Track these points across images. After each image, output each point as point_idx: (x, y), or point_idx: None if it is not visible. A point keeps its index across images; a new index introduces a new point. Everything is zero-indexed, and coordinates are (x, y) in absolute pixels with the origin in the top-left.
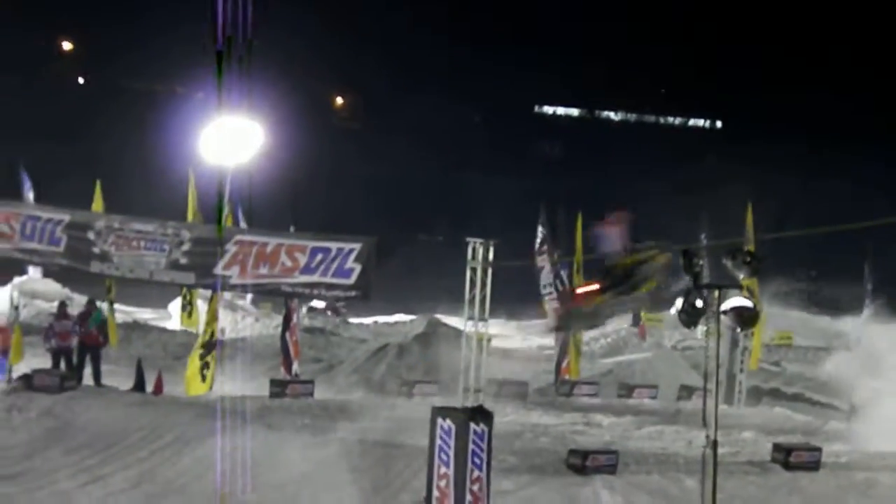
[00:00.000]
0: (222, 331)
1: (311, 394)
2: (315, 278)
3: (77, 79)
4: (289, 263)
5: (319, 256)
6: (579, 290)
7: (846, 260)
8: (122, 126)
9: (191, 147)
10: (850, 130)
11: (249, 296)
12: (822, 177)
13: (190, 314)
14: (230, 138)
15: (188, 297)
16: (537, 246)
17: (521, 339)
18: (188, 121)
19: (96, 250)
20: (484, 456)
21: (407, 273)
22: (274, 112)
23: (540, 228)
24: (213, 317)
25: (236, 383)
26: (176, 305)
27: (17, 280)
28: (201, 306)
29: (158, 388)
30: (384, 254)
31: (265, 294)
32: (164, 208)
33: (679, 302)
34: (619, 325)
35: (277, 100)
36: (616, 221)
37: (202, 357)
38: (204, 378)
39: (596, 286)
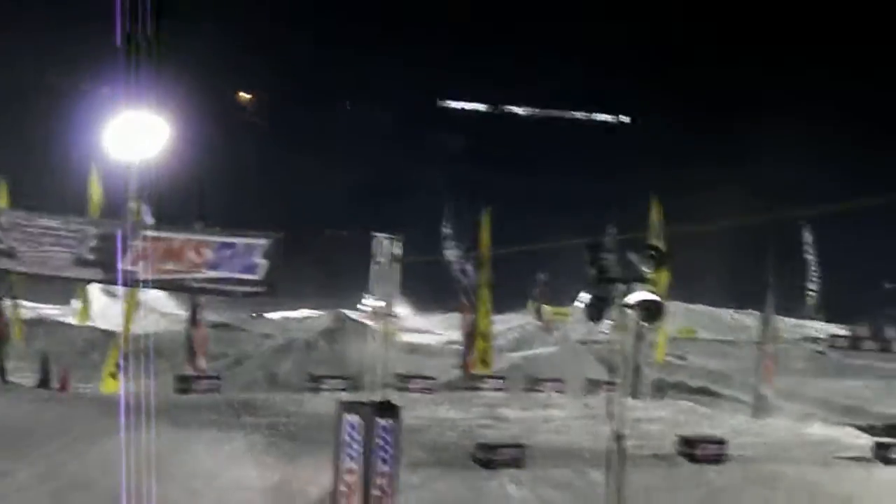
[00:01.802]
0: (129, 328)
1: (218, 389)
2: (222, 274)
3: None
4: (195, 259)
5: (226, 252)
6: None
7: (750, 254)
8: (27, 122)
9: (96, 142)
10: (757, 124)
11: (156, 292)
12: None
13: (85, 311)
14: (136, 134)
15: (83, 294)
16: (444, 241)
17: (427, 333)
18: (93, 116)
19: (2, 246)
20: (391, 450)
21: (314, 268)
22: (180, 108)
23: (445, 223)
24: (130, 315)
25: (142, 379)
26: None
27: None
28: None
29: (64, 384)
30: (291, 249)
31: (172, 290)
32: (70, 204)
33: (585, 295)
34: (524, 319)
35: (183, 96)
36: None
37: (117, 356)
38: (115, 376)
39: None
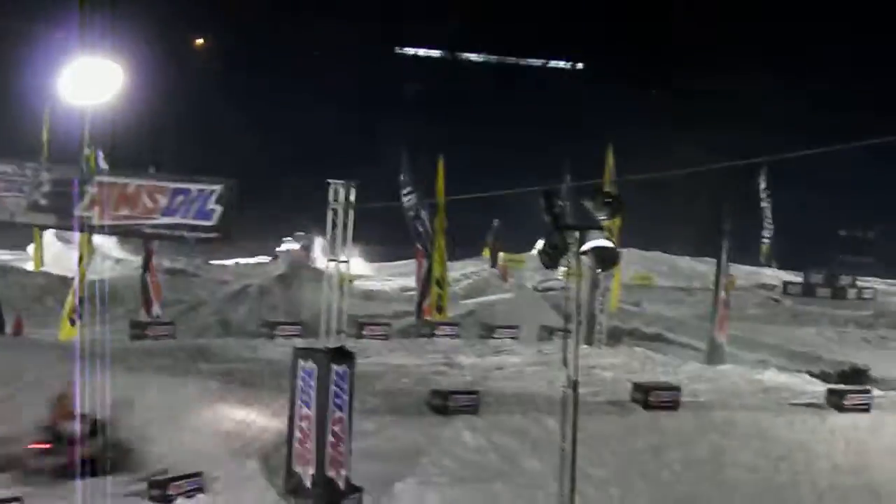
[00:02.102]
0: (84, 273)
1: (173, 335)
2: (176, 220)
3: None
4: (149, 205)
5: (180, 198)
6: None
7: (706, 201)
8: None
9: (50, 88)
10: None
11: (110, 238)
12: (684, 118)
13: (39, 257)
14: (90, 79)
15: (38, 240)
16: (400, 188)
17: (382, 280)
18: (47, 62)
19: None
20: (345, 397)
21: (268, 214)
22: (134, 53)
23: (402, 170)
24: (84, 261)
25: (97, 325)
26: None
27: None
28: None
29: (18, 330)
30: (246, 195)
31: (126, 235)
32: (24, 150)
33: (540, 243)
34: (479, 266)
35: (138, 42)
36: None
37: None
38: (73, 322)
39: None
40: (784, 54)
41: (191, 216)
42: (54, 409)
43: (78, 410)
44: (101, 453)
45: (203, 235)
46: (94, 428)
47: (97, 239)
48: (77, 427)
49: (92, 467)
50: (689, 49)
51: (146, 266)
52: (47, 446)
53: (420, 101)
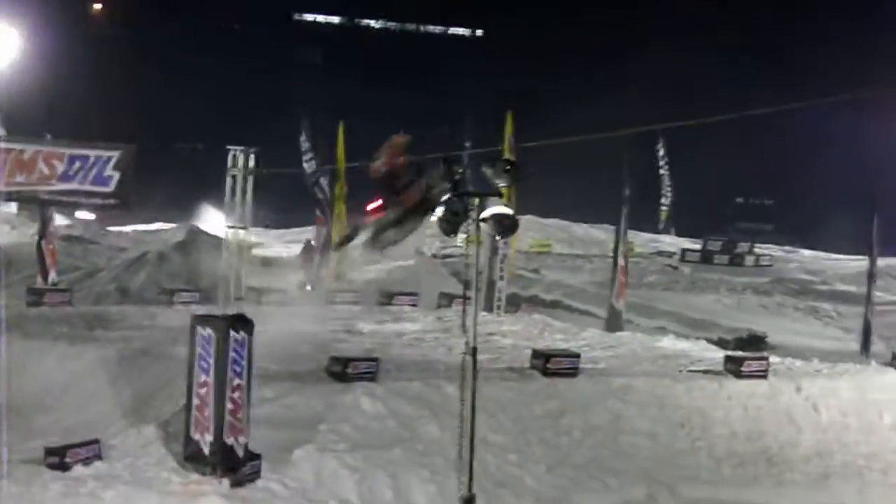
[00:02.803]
0: None
1: (70, 302)
2: (73, 186)
3: None
4: (46, 171)
5: (77, 164)
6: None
7: (604, 168)
8: None
9: None
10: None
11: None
12: (583, 86)
13: None
14: None
15: None
16: (301, 155)
17: (281, 247)
18: None
19: None
20: (244, 364)
21: (167, 181)
22: (29, 18)
23: (302, 137)
24: None
25: None
26: None
27: None
28: None
29: None
30: (144, 162)
31: (22, 201)
32: None
33: (439, 209)
34: None
35: (35, 7)
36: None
37: None
38: None
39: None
40: (685, 20)
41: (88, 182)
42: None
43: None
44: None
45: (101, 202)
46: None
47: None
48: None
49: None
50: (591, 18)
51: (42, 233)
52: None
53: (320, 67)
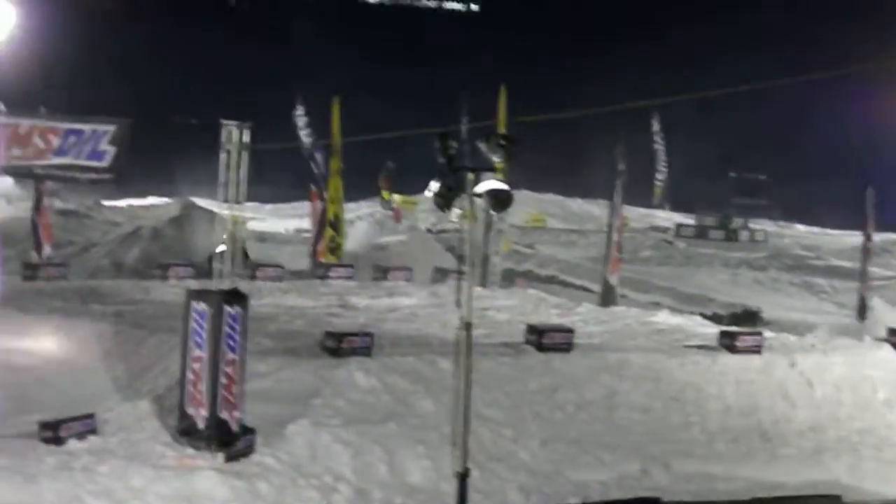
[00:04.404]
0: None
1: (65, 277)
2: (68, 160)
3: None
4: (41, 145)
5: (73, 139)
6: None
7: (599, 143)
8: None
9: None
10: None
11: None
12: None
13: None
14: None
15: None
16: (296, 130)
17: (276, 221)
18: None
19: None
20: (238, 338)
21: (162, 156)
22: None
23: (298, 111)
24: None
25: None
26: None
27: None
28: None
29: None
30: (139, 136)
31: (18, 176)
32: None
33: (434, 184)
34: (372, 208)
35: None
36: None
37: None
38: None
39: None
40: None
41: (83, 157)
42: None
43: None
44: None
45: (96, 177)
46: None
47: None
48: None
49: None
50: None
51: (37, 207)
52: None
53: (315, 41)
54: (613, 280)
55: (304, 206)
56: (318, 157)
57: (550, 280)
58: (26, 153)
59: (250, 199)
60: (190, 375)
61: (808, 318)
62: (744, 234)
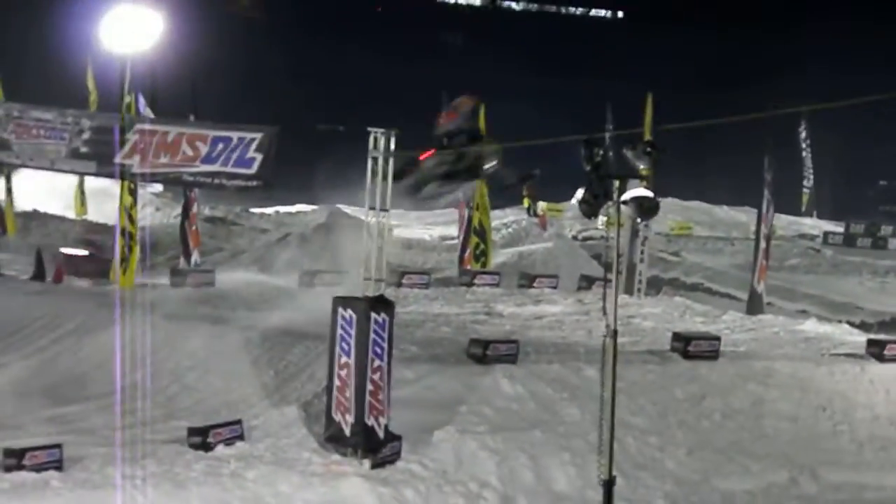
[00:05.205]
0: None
1: (212, 283)
2: (216, 167)
3: None
4: (190, 152)
5: (220, 146)
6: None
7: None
8: (21, 17)
9: (90, 36)
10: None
11: (154, 185)
12: (723, 67)
13: (82, 203)
14: (130, 27)
15: (79, 188)
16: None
17: (422, 229)
18: (87, 10)
19: None
20: (385, 345)
21: (309, 163)
22: (175, 1)
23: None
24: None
25: (137, 272)
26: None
27: None
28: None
29: (58, 277)
30: (286, 143)
31: (166, 183)
32: (66, 98)
33: (580, 192)
34: (518, 215)
35: None
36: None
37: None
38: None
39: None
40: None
41: (231, 164)
42: None
43: None
44: None
45: (243, 184)
46: None
47: (139, 186)
48: None
49: None
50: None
51: (186, 214)
52: None
53: (461, 49)
54: (760, 288)
55: (449, 214)
56: None
57: (696, 288)
58: (174, 160)
59: (396, 205)
60: (336, 382)
61: None
62: (892, 242)
